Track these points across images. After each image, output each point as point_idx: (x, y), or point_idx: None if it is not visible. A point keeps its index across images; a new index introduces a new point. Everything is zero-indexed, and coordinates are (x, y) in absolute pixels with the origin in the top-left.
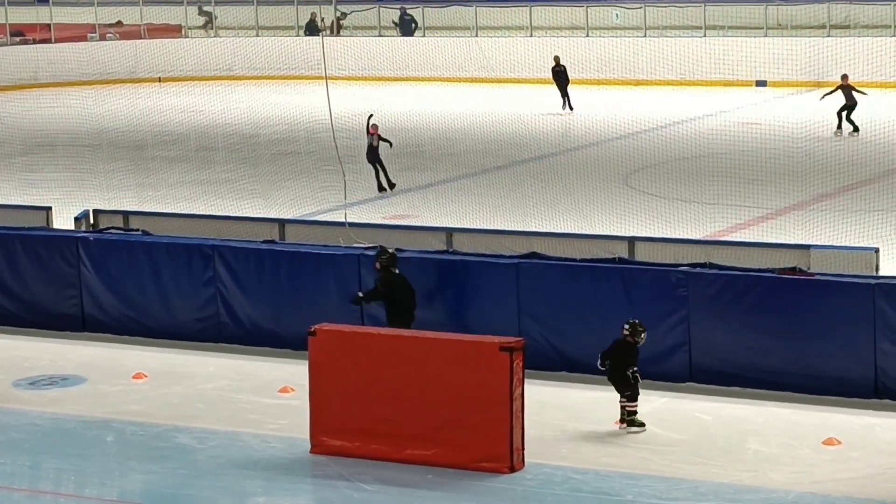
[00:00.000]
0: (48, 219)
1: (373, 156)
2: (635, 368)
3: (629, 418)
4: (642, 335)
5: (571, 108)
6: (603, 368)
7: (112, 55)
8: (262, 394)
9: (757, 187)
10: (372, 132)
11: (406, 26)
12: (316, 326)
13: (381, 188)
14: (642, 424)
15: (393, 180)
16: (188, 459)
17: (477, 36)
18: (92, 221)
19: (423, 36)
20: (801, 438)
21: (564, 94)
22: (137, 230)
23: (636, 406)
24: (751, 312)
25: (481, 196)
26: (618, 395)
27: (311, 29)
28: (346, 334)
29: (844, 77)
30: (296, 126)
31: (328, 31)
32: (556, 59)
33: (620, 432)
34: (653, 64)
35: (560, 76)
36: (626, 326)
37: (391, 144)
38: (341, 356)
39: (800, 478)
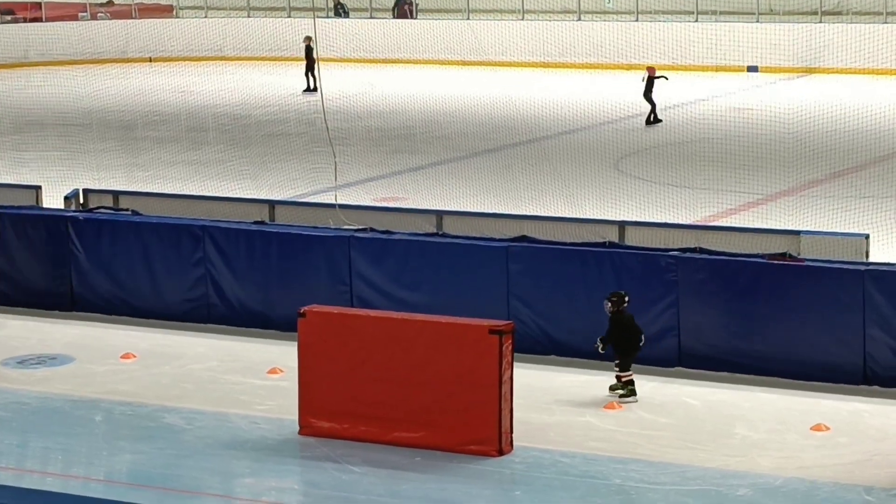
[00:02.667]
0: (38, 198)
1: (648, 93)
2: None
3: (632, 387)
4: (626, 299)
5: (316, 89)
6: (603, 352)
7: (103, 35)
8: (250, 375)
9: (748, 173)
10: (650, 73)
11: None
12: (305, 308)
13: (649, 121)
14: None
15: (660, 117)
16: (176, 440)
17: (469, 19)
18: (82, 201)
19: (416, 18)
20: (789, 424)
21: (309, 73)
22: (127, 210)
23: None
24: (740, 298)
25: (472, 179)
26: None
27: (338, 11)
28: (336, 316)
29: None
30: (286, 107)
31: (408, 13)
32: (308, 38)
33: (609, 415)
34: (645, 49)
35: (311, 55)
36: (612, 302)
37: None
38: (330, 338)
39: (787, 463)
